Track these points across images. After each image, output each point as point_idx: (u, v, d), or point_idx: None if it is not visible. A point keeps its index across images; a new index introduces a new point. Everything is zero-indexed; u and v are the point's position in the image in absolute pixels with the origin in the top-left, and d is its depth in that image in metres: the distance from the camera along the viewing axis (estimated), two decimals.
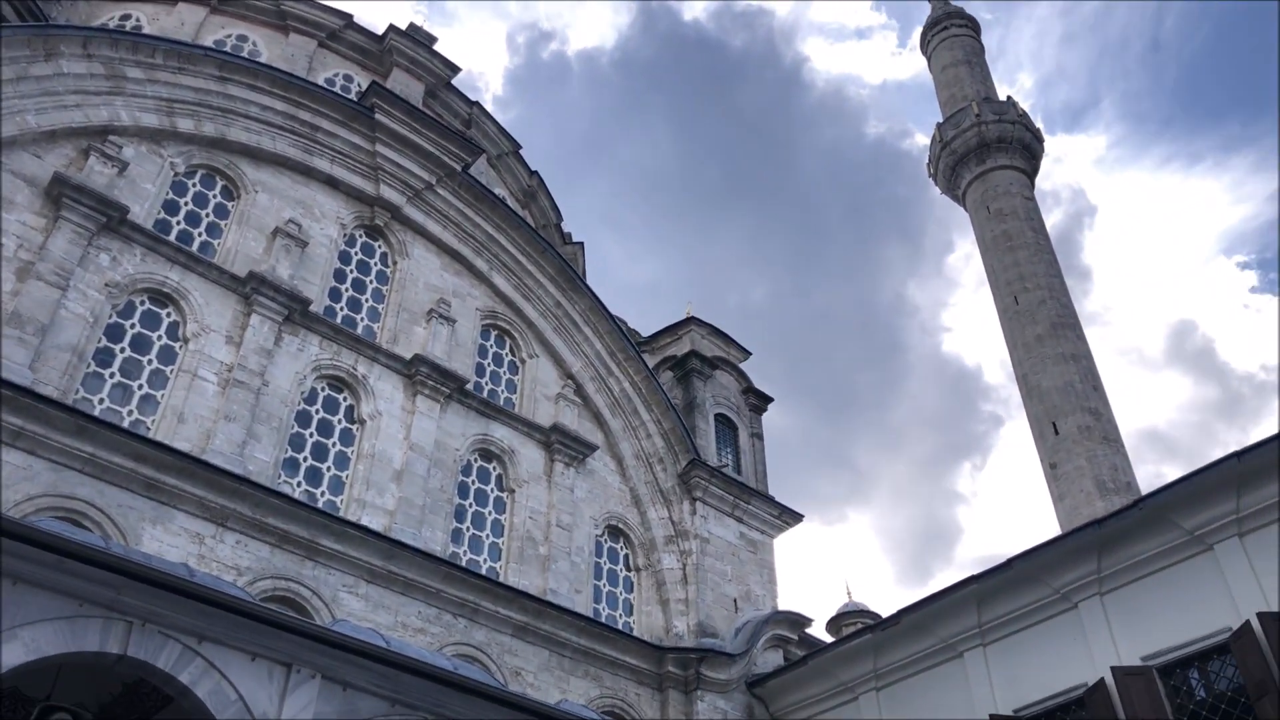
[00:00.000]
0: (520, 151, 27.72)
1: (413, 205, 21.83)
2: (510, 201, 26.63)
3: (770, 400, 27.77)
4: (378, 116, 21.33)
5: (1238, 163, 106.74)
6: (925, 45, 57.07)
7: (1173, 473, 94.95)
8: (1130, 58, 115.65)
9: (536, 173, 27.68)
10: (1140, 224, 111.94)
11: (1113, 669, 15.61)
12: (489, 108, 27.08)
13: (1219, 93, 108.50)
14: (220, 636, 10.70)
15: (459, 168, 22.45)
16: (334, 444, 18.36)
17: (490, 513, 20.08)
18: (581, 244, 28.55)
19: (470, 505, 19.83)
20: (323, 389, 18.73)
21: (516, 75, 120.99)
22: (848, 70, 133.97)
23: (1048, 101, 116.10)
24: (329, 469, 18.05)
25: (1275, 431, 15.08)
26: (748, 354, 28.26)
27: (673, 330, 27.38)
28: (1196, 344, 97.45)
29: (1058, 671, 16.60)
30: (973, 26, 56.04)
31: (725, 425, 26.10)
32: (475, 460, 20.38)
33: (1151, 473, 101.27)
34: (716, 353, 27.02)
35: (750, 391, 27.25)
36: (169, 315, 17.37)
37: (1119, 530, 16.49)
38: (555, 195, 28.25)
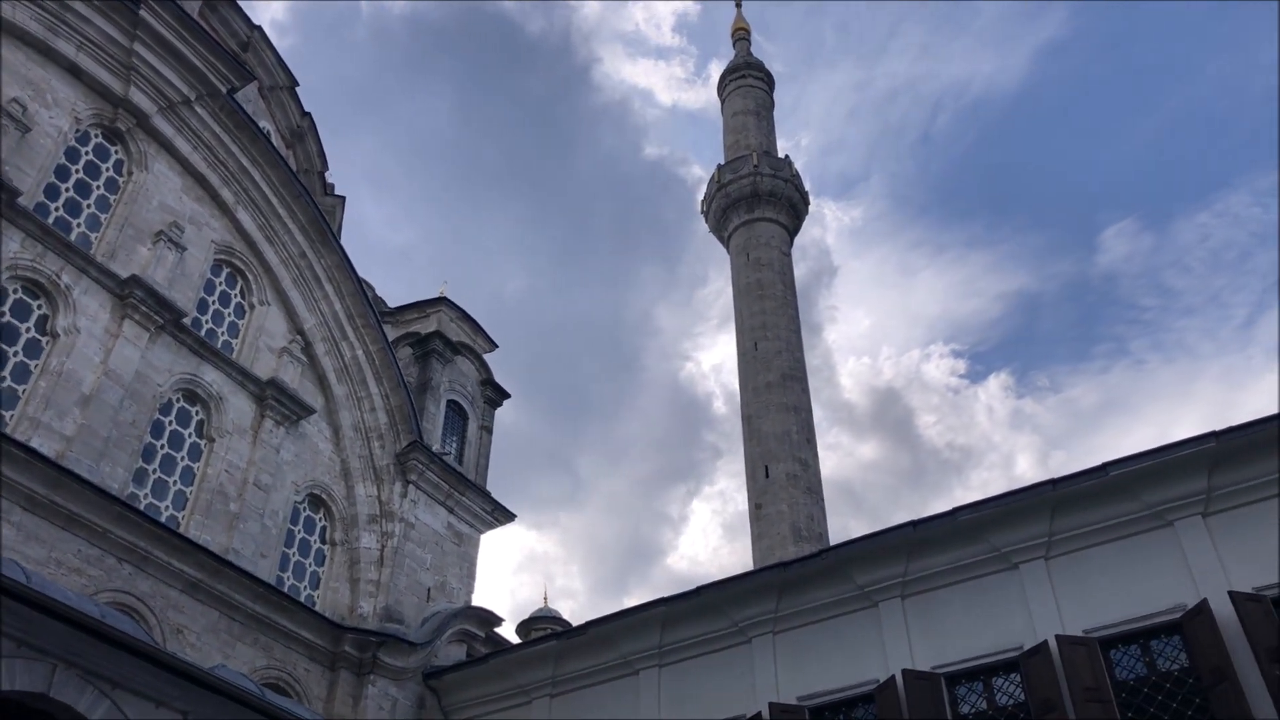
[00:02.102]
0: (296, 89, 26.22)
1: (164, 117, 20.11)
2: (275, 138, 25.12)
3: (507, 396, 27.58)
4: (142, 14, 19.52)
5: (976, 260, 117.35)
6: (722, 87, 59.07)
7: (858, 528, 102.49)
8: (904, 145, 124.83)
9: (309, 114, 26.28)
10: (876, 296, 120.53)
11: (771, 704, 16.47)
12: (266, 30, 25.37)
13: (972, 194, 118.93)
14: None
15: (224, 89, 20.92)
16: (16, 354, 16.50)
17: (184, 459, 18.69)
18: (343, 198, 27.30)
19: (163, 447, 18.38)
20: (15, 291, 16.81)
21: (301, 4, 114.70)
22: (640, 84, 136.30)
23: (824, 165, 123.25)
24: (4, 380, 16.20)
25: (947, 509, 16.50)
26: (494, 346, 27.96)
27: (421, 307, 26.68)
28: (898, 414, 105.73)
29: (724, 700, 17.29)
30: (768, 81, 58.56)
31: (456, 413, 25.67)
32: (178, 400, 18.93)
33: (841, 525, 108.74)
34: (462, 338, 26.56)
35: (489, 384, 26.96)
36: None
37: (801, 575, 17.46)
38: (322, 139, 26.88)
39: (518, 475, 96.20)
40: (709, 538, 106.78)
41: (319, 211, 22.67)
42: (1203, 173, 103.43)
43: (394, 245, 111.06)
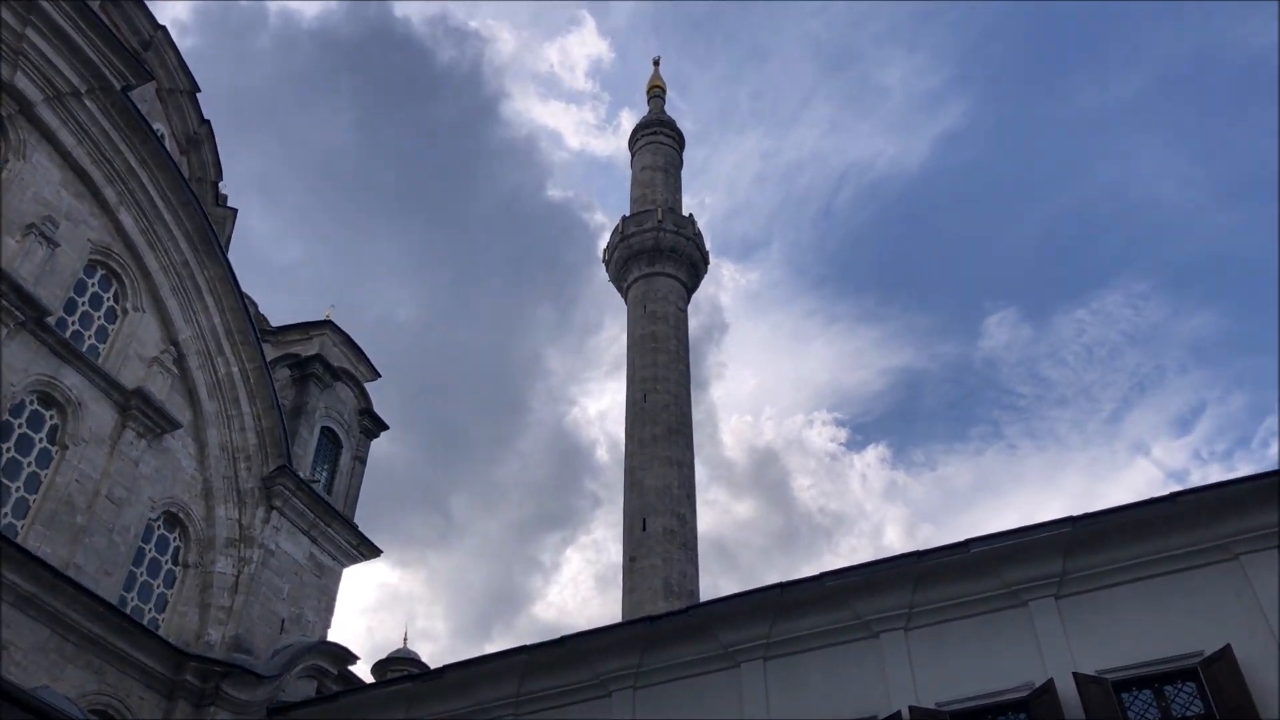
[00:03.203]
0: (196, 95, 25.48)
1: (49, 106, 19.23)
2: (169, 141, 24.29)
3: (385, 427, 27.02)
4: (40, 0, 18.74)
5: (865, 334, 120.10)
6: (633, 141, 59.82)
7: (728, 586, 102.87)
8: (806, 216, 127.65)
9: (208, 122, 25.56)
10: (766, 358, 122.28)
11: None
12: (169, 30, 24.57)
13: (866, 271, 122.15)
14: None
15: (119, 85, 20.17)
16: None
17: (31, 464, 17.64)
18: (235, 210, 26.55)
19: (9, 450, 17.31)
20: None
21: (207, 5, 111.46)
22: (549, 125, 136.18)
23: (727, 227, 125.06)
24: None
25: (815, 573, 16.67)
26: (377, 375, 27.39)
27: (304, 329, 25.97)
28: (775, 475, 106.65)
29: None
30: (678, 140, 59.55)
31: (330, 440, 24.97)
32: (31, 402, 17.91)
33: (711, 582, 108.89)
34: (344, 364, 25.93)
35: (367, 414, 26.35)
36: None
37: (667, 631, 17.36)
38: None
39: (387, 509, 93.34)
40: (580, 588, 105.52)
41: (207, 221, 21.95)
42: (1083, 271, 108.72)
43: (281, 262, 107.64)
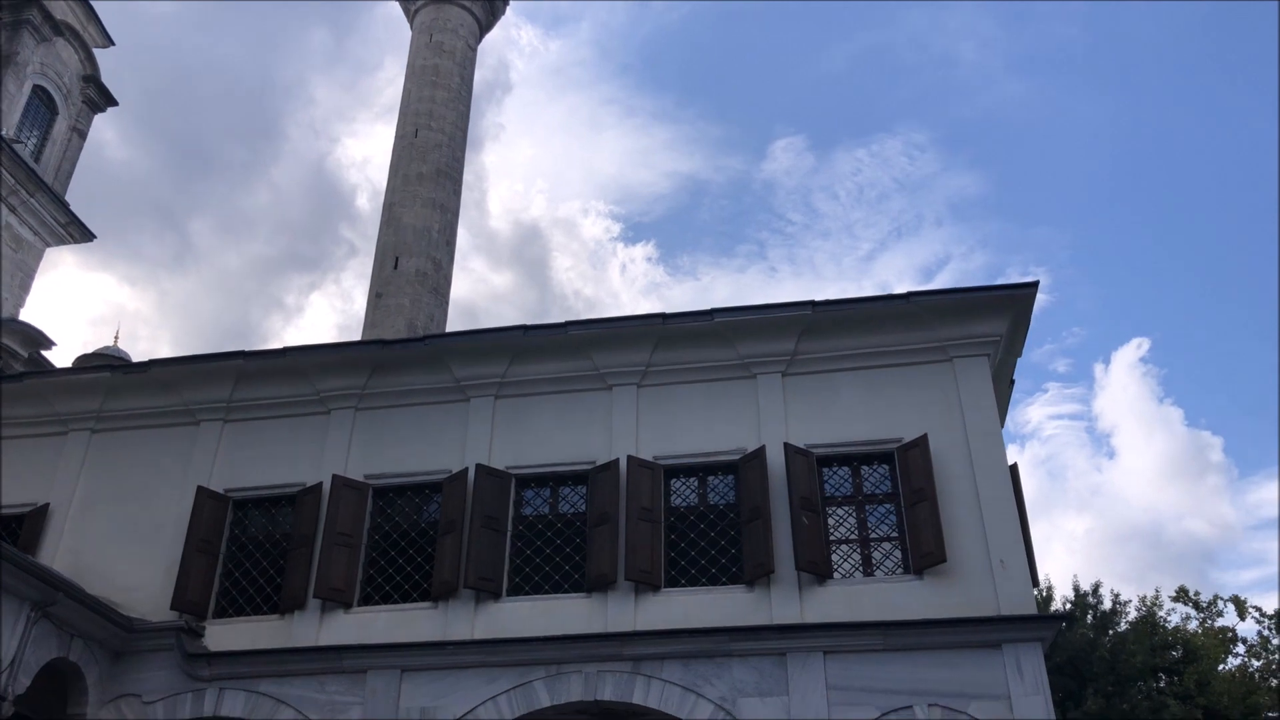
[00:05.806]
0: None
1: None
2: None
3: (114, 103, 23.96)
4: None
5: (659, 133, 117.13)
6: None
7: None
8: None
9: None
10: (558, 139, 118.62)
11: (334, 476, 15.84)
12: None
13: (671, 68, 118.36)
14: None
15: None
16: None
17: None
18: None
19: None
20: None
21: None
22: None
23: None
24: None
25: (555, 321, 16.40)
26: (110, 42, 24.04)
27: None
28: (536, 253, 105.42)
29: (288, 466, 16.47)
30: None
31: (45, 103, 21.94)
32: None
33: None
34: (69, 20, 22.50)
35: (93, 82, 23.25)
36: None
37: (401, 357, 16.80)
38: None
39: (118, 220, 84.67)
40: (321, 333, 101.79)
41: None
42: (872, 113, 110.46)
43: None
